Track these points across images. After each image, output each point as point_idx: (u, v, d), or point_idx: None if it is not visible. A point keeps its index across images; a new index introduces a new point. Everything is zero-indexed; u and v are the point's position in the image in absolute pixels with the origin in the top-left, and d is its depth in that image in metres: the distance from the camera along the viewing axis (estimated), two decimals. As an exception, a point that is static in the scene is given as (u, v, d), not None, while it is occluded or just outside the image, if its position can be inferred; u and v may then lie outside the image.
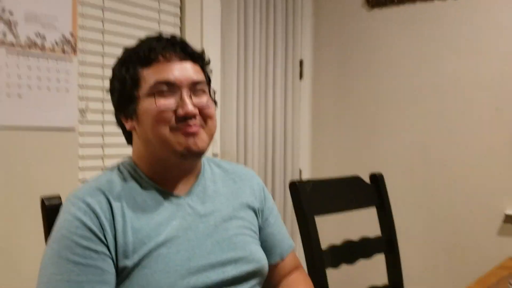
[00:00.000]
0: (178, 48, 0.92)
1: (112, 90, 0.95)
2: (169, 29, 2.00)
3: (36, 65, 1.54)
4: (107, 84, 1.75)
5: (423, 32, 2.43)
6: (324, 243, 1.27)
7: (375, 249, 1.42)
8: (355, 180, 1.46)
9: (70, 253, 0.80)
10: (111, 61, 1.76)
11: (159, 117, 0.87)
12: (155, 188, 0.91)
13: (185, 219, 0.90)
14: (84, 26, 1.70)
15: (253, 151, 2.36)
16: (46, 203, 0.90)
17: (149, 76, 0.89)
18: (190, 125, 0.87)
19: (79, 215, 0.82)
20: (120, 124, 0.96)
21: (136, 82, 0.90)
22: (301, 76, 2.68)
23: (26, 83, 1.52)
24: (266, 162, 2.46)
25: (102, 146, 1.77)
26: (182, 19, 2.06)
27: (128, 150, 1.79)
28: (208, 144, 0.92)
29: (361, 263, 1.38)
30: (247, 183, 1.04)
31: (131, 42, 2.02)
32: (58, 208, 0.90)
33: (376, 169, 1.52)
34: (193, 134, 0.88)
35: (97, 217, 0.83)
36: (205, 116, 0.91)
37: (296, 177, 2.65)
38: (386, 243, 1.44)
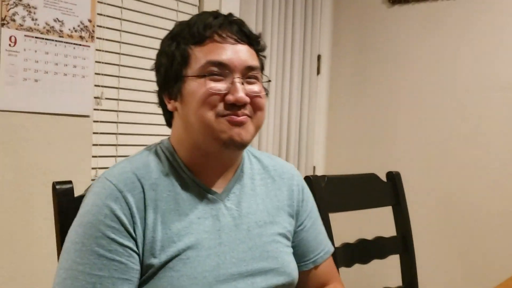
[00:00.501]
0: (236, 27, 0.84)
1: (158, 66, 0.87)
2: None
3: (54, 50, 1.53)
4: (123, 72, 1.76)
5: (444, 30, 2.37)
6: (337, 241, 1.25)
7: (390, 249, 1.39)
8: (371, 178, 1.43)
9: (95, 243, 0.75)
10: (128, 49, 1.78)
11: (206, 101, 0.79)
12: (192, 181, 0.84)
13: (219, 220, 0.84)
14: (102, 13, 1.69)
15: (267, 146, 2.34)
16: (58, 188, 0.89)
17: (201, 55, 0.81)
18: (237, 114, 0.80)
19: (109, 202, 0.76)
20: (162, 104, 0.88)
21: (185, 60, 0.82)
22: (318, 71, 2.65)
23: (43, 68, 1.52)
24: (280, 157, 2.43)
25: (116, 134, 1.76)
26: (200, 10, 2.04)
27: (141, 140, 1.79)
28: (253, 136, 0.85)
29: (375, 264, 1.35)
30: (286, 183, 0.96)
31: (149, 31, 2.00)
32: (70, 194, 0.89)
33: (391, 168, 1.49)
34: (239, 124, 0.81)
35: (129, 207, 0.77)
36: (255, 106, 0.83)
37: (310, 174, 2.62)
38: (402, 244, 1.41)
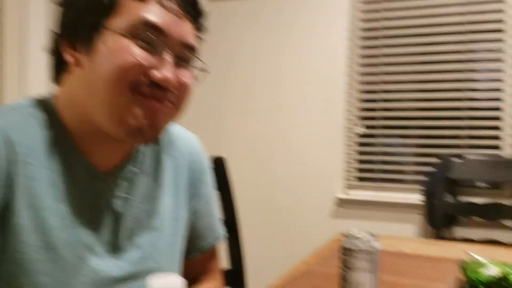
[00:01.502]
0: None
1: (67, 2, 0.68)
2: None
3: None
4: None
5: (265, 27, 2.50)
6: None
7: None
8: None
9: None
10: None
11: (125, 70, 0.63)
12: (75, 156, 0.68)
13: (102, 211, 0.71)
14: None
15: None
16: None
17: (135, 9, 0.64)
18: (159, 97, 0.66)
19: None
20: (55, 51, 0.69)
21: (112, 7, 0.64)
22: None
23: None
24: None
25: None
26: None
27: None
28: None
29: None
30: (187, 159, 0.84)
31: None
32: None
33: (218, 154, 1.49)
34: (157, 111, 0.66)
35: None
36: (181, 95, 0.70)
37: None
38: (228, 227, 1.40)
